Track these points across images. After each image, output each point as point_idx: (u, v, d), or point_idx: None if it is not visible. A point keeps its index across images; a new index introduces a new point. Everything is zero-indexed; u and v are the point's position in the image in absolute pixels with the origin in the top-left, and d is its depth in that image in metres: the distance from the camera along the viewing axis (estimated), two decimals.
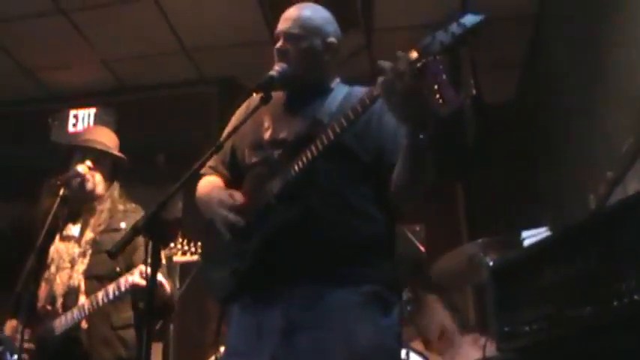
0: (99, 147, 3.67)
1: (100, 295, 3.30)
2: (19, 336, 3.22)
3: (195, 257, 3.44)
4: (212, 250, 2.73)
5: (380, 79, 2.18)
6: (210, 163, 2.76)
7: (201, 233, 3.08)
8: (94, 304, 3.30)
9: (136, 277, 3.25)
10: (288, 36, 2.63)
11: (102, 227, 3.58)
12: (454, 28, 2.05)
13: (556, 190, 5.51)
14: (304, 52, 2.63)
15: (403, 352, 4.19)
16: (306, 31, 2.64)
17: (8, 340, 3.38)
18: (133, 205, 3.73)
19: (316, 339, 2.31)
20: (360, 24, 5.75)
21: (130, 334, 3.47)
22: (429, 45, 2.09)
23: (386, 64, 2.16)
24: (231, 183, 2.73)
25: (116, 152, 3.73)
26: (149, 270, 1.97)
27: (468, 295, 6.22)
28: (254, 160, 2.65)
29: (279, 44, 2.64)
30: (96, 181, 3.65)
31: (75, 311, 3.34)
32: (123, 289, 3.27)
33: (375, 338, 2.32)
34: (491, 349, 3.73)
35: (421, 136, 2.22)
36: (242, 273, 2.47)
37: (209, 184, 2.76)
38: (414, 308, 5.30)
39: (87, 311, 3.31)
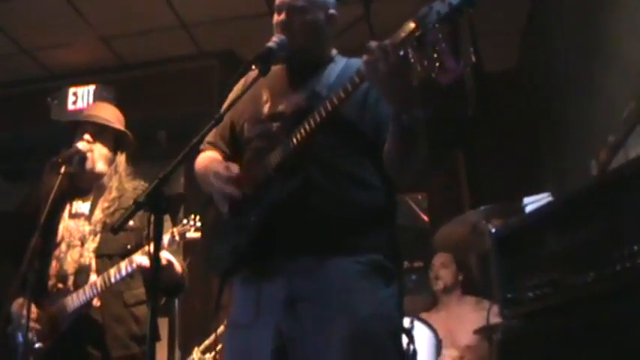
0: (97, 121, 3.60)
1: (112, 272, 3.29)
2: (25, 313, 3.22)
3: None
4: (212, 226, 2.74)
5: (364, 57, 2.20)
6: (209, 138, 2.77)
7: (202, 208, 3.09)
8: (107, 281, 3.29)
9: (143, 258, 3.25)
10: (292, 8, 2.61)
11: (112, 207, 3.54)
12: None
13: (557, 156, 5.51)
14: (308, 24, 2.62)
15: (408, 321, 4.22)
16: (310, 3, 2.63)
17: (17, 319, 3.39)
18: (142, 182, 3.68)
19: (318, 309, 2.33)
20: None
21: (141, 310, 3.46)
22: (426, 15, 2.12)
23: (372, 43, 2.18)
24: (230, 159, 2.72)
25: (116, 125, 3.65)
26: (152, 245, 1.97)
27: (471, 261, 6.23)
28: (253, 134, 2.65)
29: (282, 16, 2.62)
30: (95, 158, 3.57)
31: (87, 289, 3.33)
32: (135, 266, 3.26)
33: (375, 308, 2.34)
34: (495, 316, 3.76)
35: (404, 117, 2.24)
36: (242, 247, 2.49)
37: (207, 158, 2.75)
38: (421, 276, 5.37)
39: (99, 289, 3.30)
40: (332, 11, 2.70)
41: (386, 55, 2.13)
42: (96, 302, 3.37)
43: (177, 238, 3.29)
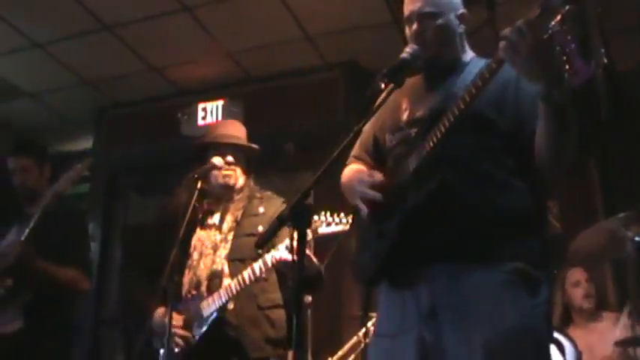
0: (237, 141, 3.79)
1: (246, 273, 3.39)
2: (167, 321, 3.32)
3: (339, 228, 3.43)
4: (358, 235, 2.75)
5: (502, 43, 2.17)
6: (354, 153, 2.81)
7: (353, 218, 3.12)
8: (241, 282, 3.40)
9: (282, 252, 3.33)
10: (423, 15, 2.60)
11: (240, 213, 3.70)
12: None
13: None
14: (441, 29, 2.60)
15: None
16: (439, 7, 2.61)
17: (158, 327, 3.49)
18: (268, 192, 3.84)
19: (461, 319, 2.29)
20: None
21: (277, 313, 3.55)
22: (549, 0, 2.07)
23: (506, 30, 2.16)
24: None
25: (252, 145, 3.83)
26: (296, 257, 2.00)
27: (606, 271, 6.02)
28: (393, 142, 2.65)
29: (414, 27, 2.60)
30: (237, 175, 3.76)
31: (222, 292, 3.44)
32: (270, 264, 3.36)
33: (520, 319, 2.26)
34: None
35: (555, 93, 2.18)
36: (382, 254, 2.47)
37: (351, 170, 2.78)
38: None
39: (234, 291, 3.41)
40: (462, 10, 2.68)
41: (522, 35, 2.11)
42: (230, 305, 3.47)
43: (309, 237, 3.36)
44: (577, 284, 5.10)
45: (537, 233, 2.45)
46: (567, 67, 4.49)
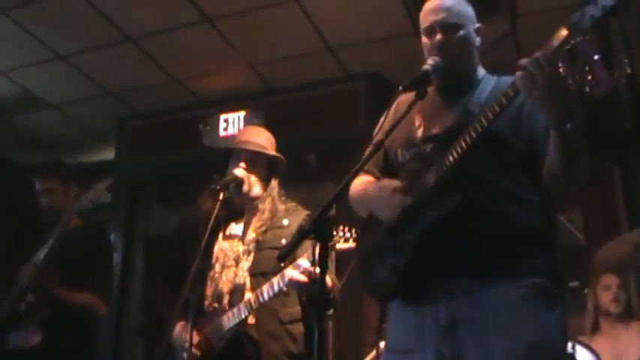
0: (251, 147, 3.69)
1: (265, 288, 3.33)
2: (187, 337, 3.31)
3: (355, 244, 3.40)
4: (369, 248, 2.72)
5: (519, 73, 2.17)
6: None
7: (358, 232, 3.09)
8: (260, 298, 3.34)
9: (295, 272, 3.28)
10: (445, 26, 2.59)
11: (264, 226, 3.61)
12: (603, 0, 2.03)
13: None
14: (463, 41, 2.61)
15: (569, 346, 4.06)
16: (461, 19, 2.61)
17: (178, 342, 3.48)
18: (293, 203, 3.76)
19: (480, 334, 2.29)
20: (504, 10, 5.62)
21: (298, 328, 3.48)
22: (579, 21, 2.07)
23: (524, 60, 2.15)
24: None
25: (269, 151, 3.74)
26: (318, 270, 1.99)
27: (630, 282, 5.96)
28: (407, 157, 2.64)
29: (437, 37, 2.59)
30: (251, 182, 3.66)
31: (241, 307, 3.39)
32: (287, 280, 3.28)
33: (539, 334, 2.26)
34: None
35: (568, 126, 2.17)
36: (400, 269, 2.46)
37: (362, 182, 2.75)
38: (576, 297, 5.16)
39: (253, 306, 3.35)
40: (478, 24, 2.69)
41: (540, 68, 2.10)
42: (251, 320, 3.42)
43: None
44: (607, 288, 5.02)
45: (553, 248, 2.46)
46: (590, 77, 4.47)
